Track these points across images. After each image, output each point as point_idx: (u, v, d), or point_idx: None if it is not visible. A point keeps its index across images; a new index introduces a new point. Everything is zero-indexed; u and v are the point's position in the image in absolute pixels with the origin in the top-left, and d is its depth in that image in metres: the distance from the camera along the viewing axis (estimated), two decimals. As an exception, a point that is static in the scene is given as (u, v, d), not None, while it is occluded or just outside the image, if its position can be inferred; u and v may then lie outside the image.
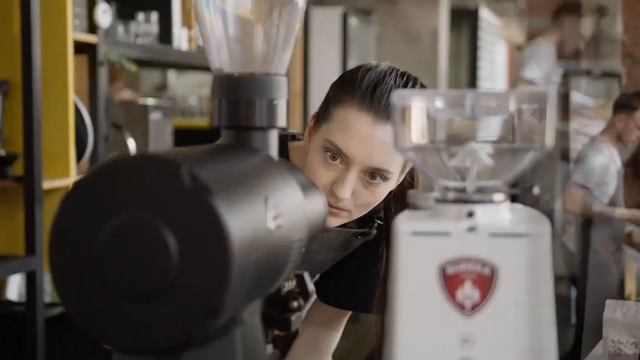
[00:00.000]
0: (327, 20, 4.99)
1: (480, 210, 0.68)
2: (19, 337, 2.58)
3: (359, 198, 1.30)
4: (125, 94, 4.43)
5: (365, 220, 1.48)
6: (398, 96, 0.71)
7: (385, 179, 1.30)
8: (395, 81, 1.29)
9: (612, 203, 4.57)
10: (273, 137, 0.80)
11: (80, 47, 2.81)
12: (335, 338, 1.61)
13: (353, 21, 5.15)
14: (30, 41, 2.47)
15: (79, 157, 2.76)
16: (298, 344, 1.58)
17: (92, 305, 0.63)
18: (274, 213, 0.69)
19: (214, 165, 0.66)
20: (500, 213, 0.69)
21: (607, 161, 4.62)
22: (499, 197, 0.70)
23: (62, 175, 2.64)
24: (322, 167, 1.29)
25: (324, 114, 1.32)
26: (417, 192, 0.76)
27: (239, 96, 0.78)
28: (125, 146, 3.07)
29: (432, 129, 0.72)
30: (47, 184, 2.55)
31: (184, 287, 0.60)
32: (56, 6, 2.63)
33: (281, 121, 0.80)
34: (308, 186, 0.86)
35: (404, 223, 0.69)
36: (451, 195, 0.70)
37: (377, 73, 1.30)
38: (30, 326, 2.52)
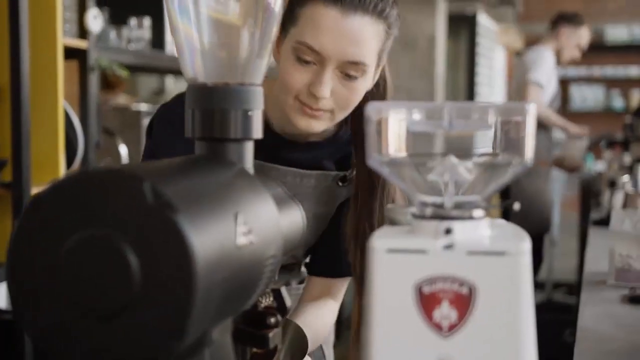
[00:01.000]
0: (323, 26, 4.95)
1: (458, 226, 0.66)
2: (7, 345, 2.55)
3: (338, 97, 1.28)
4: (121, 99, 4.41)
5: (343, 163, 1.45)
6: (373, 108, 0.68)
7: (362, 72, 1.28)
8: None
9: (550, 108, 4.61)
10: (248, 149, 0.78)
11: (71, 53, 2.78)
12: (335, 307, 1.52)
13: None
14: (19, 46, 2.44)
15: (69, 163, 2.73)
16: (299, 307, 1.48)
17: (51, 323, 0.60)
18: (245, 229, 0.66)
19: (181, 180, 0.63)
20: (479, 230, 0.67)
21: (553, 65, 4.64)
22: (478, 213, 0.67)
23: (52, 182, 2.61)
24: (296, 70, 1.27)
25: (289, 19, 1.30)
26: (396, 207, 0.74)
27: (213, 107, 0.75)
28: (117, 152, 3.04)
29: (409, 142, 0.69)
30: (36, 191, 2.52)
31: (146, 307, 0.58)
32: (46, 11, 2.60)
33: (257, 132, 0.78)
34: (284, 199, 0.83)
35: (379, 240, 0.66)
36: (429, 211, 0.68)
37: None
38: (18, 334, 2.49)
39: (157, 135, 1.41)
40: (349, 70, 1.27)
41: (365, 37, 1.26)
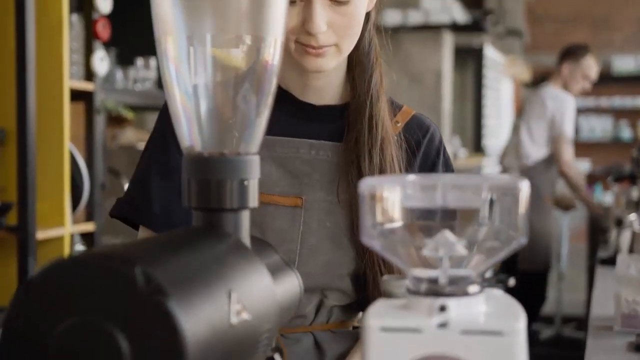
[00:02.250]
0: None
1: (453, 303, 0.66)
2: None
3: (337, 27, 1.21)
4: (130, 133, 4.43)
5: None
6: (366, 184, 0.68)
7: None
8: None
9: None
10: (244, 219, 0.78)
11: (78, 94, 2.80)
12: None
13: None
14: (25, 89, 2.46)
15: (75, 205, 2.74)
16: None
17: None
18: (239, 307, 0.66)
19: (173, 260, 0.63)
20: (474, 306, 0.67)
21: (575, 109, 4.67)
22: (473, 288, 0.67)
23: (57, 224, 2.62)
24: None
25: None
26: (391, 279, 0.73)
27: (209, 177, 0.75)
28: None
29: (403, 217, 0.69)
30: (41, 234, 2.53)
31: (137, 393, 0.57)
32: (53, 54, 2.63)
33: (253, 202, 0.77)
34: (280, 267, 0.83)
35: (374, 318, 0.66)
36: (423, 287, 0.67)
37: None
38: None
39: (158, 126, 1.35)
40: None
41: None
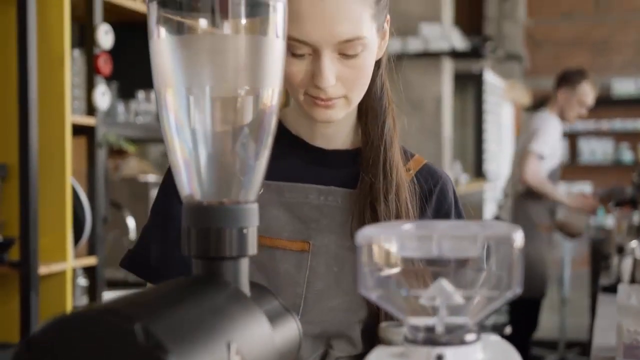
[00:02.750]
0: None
1: (450, 353, 0.66)
2: None
3: (346, 80, 1.20)
4: (132, 163, 4.45)
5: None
6: (363, 235, 0.69)
7: (361, 47, 1.19)
8: None
9: (551, 177, 4.60)
10: (244, 267, 0.78)
11: (80, 129, 2.82)
12: None
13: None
14: (27, 124, 2.48)
15: (77, 240, 2.75)
16: None
17: None
18: (238, 358, 0.67)
19: (173, 314, 0.64)
20: (471, 355, 0.67)
21: (559, 133, 4.65)
22: (470, 337, 0.68)
23: (59, 259, 2.63)
24: (293, 65, 1.19)
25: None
26: (390, 327, 0.74)
27: (209, 226, 0.76)
28: (125, 225, 3.06)
29: (400, 266, 0.70)
30: (43, 270, 2.53)
31: None
32: (54, 89, 2.65)
33: (252, 249, 0.78)
34: (280, 313, 0.84)
35: (372, 367, 0.67)
36: (420, 335, 0.68)
37: None
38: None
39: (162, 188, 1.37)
40: (346, 50, 1.18)
41: (350, 9, 1.16)
